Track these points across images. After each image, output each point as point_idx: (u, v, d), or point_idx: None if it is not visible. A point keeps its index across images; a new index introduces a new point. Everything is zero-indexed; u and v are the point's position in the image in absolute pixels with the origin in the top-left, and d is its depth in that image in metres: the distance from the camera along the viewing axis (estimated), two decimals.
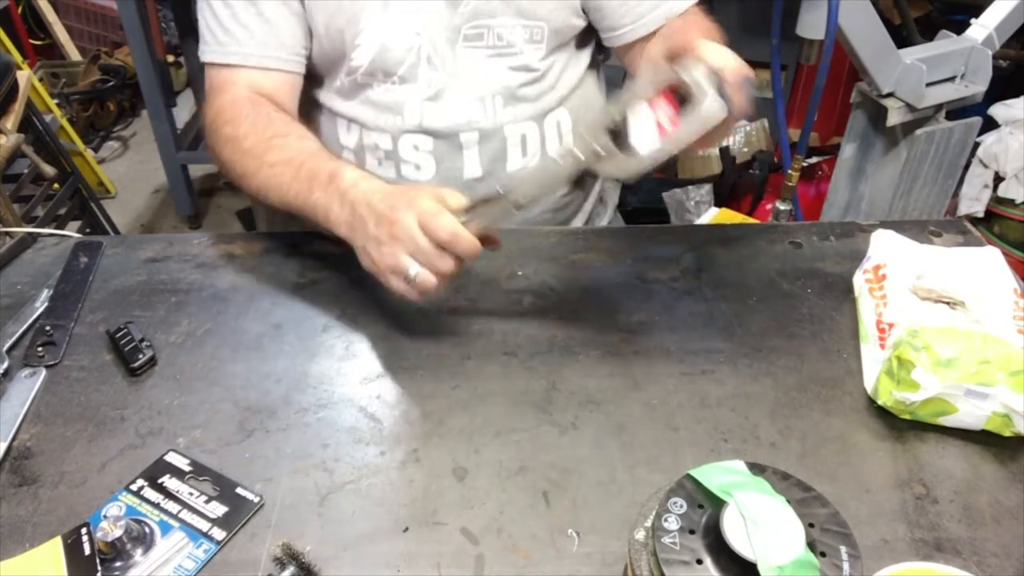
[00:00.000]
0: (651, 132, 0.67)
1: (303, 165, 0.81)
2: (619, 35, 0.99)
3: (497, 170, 1.01)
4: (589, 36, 1.05)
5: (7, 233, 0.93)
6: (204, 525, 0.60)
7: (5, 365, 0.74)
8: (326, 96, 1.02)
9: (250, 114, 0.89)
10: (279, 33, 0.93)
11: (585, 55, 1.05)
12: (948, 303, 0.72)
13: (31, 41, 3.33)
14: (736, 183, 2.32)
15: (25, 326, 0.79)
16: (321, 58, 0.98)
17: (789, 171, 1.72)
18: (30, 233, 0.93)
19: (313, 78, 1.02)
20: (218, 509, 0.61)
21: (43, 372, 0.74)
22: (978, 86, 1.54)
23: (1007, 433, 0.66)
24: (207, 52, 0.94)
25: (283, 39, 0.94)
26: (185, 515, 0.60)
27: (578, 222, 1.14)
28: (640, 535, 0.48)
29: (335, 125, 1.02)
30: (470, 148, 0.99)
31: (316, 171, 0.79)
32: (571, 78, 1.03)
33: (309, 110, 1.05)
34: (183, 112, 3.13)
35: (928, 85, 1.49)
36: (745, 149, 2.54)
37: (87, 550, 0.57)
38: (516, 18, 0.94)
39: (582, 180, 0.72)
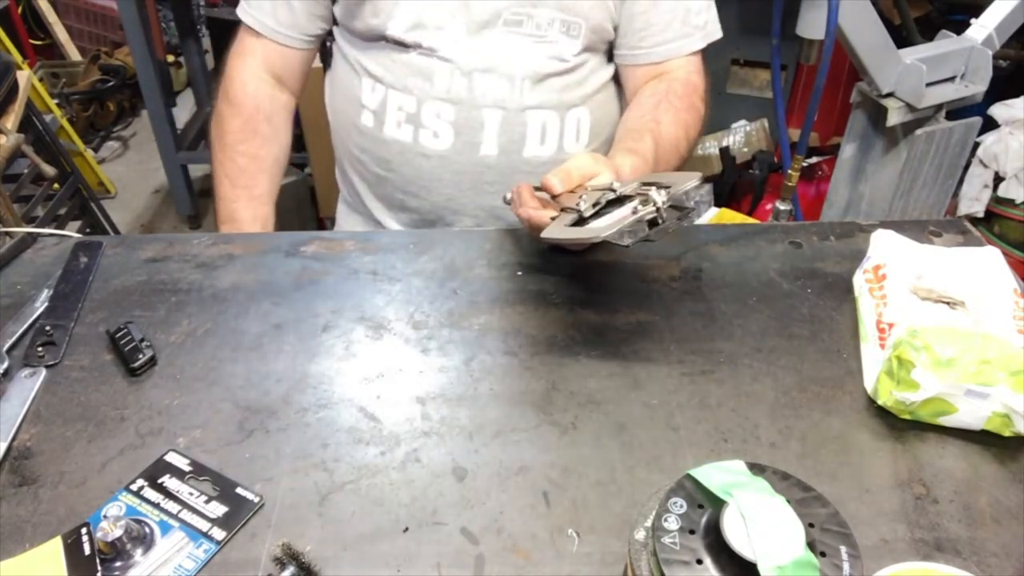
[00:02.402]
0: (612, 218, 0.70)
1: (226, 197, 1.08)
2: (633, 55, 1.03)
3: (513, 153, 1.02)
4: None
5: (7, 233, 0.93)
6: (204, 525, 0.60)
7: (5, 365, 0.74)
8: (356, 53, 1.04)
9: (243, 112, 1.07)
10: (297, 15, 1.05)
11: (612, 67, 1.08)
12: (948, 303, 0.72)
13: (31, 41, 3.33)
14: (736, 183, 2.32)
15: (25, 326, 0.79)
16: (357, 23, 1.01)
17: (789, 171, 1.72)
18: (30, 233, 0.93)
19: (344, 34, 1.06)
20: (218, 509, 0.61)
21: (43, 372, 0.74)
22: (978, 86, 1.54)
23: (1007, 433, 0.66)
24: (240, 8, 1.07)
25: (299, 21, 1.05)
26: (185, 515, 0.60)
27: None
28: (640, 535, 0.48)
29: (360, 83, 1.04)
30: (491, 126, 1.00)
31: (224, 214, 1.08)
32: (597, 80, 1.05)
33: (336, 64, 1.10)
34: (183, 112, 3.13)
35: (928, 85, 1.49)
36: (745, 149, 2.54)
37: (87, 550, 0.57)
38: (557, 11, 0.97)
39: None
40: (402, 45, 0.99)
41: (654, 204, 0.66)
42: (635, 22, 1.00)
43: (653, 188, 0.68)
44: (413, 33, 0.97)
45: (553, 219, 0.74)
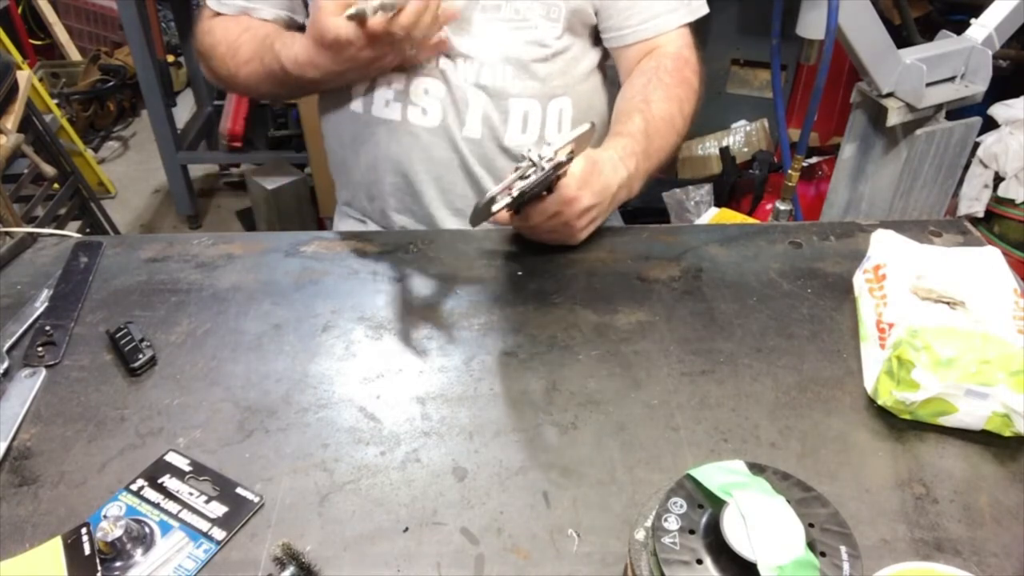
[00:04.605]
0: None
1: (263, 60, 0.96)
2: (621, 35, 1.03)
3: (495, 138, 1.03)
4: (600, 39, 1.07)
5: (7, 233, 0.93)
6: (204, 525, 0.60)
7: (5, 365, 0.74)
8: None
9: (220, 23, 1.02)
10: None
11: (597, 53, 1.08)
12: (948, 303, 0.72)
13: (31, 41, 3.33)
14: (736, 183, 2.32)
15: (25, 326, 0.79)
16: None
17: (789, 171, 1.71)
18: (30, 233, 0.93)
19: None
20: (218, 509, 0.61)
21: (43, 372, 0.74)
22: (978, 86, 1.54)
23: (1007, 433, 0.66)
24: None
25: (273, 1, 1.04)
26: (185, 515, 0.60)
27: None
28: (640, 535, 0.48)
29: None
30: (475, 108, 1.01)
31: (271, 67, 0.95)
32: (582, 69, 1.05)
33: None
34: (183, 112, 3.13)
35: (928, 85, 1.49)
36: (745, 149, 2.54)
37: (87, 550, 0.57)
38: None
39: None
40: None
41: (530, 163, 0.73)
42: (619, 2, 1.01)
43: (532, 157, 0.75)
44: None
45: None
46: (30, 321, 0.80)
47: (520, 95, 1.01)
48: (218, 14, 1.05)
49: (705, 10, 1.05)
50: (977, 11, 1.57)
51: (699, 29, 1.06)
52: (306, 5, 1.07)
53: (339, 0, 0.83)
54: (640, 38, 1.02)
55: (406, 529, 0.60)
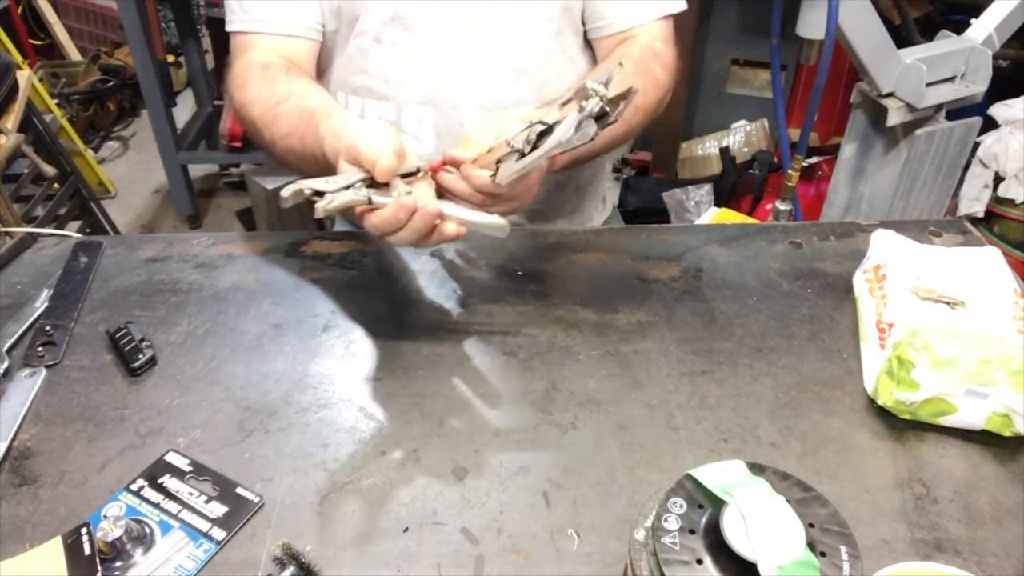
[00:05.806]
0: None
1: (303, 140, 0.84)
2: (598, 28, 1.02)
3: None
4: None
5: (7, 233, 0.93)
6: (204, 525, 0.60)
7: (5, 365, 0.74)
8: (334, 69, 1.02)
9: (257, 77, 0.92)
10: (298, 5, 0.97)
11: (588, 55, 1.07)
12: (948, 303, 0.72)
13: (31, 41, 3.33)
14: (736, 183, 2.32)
15: (25, 326, 0.79)
16: (333, 23, 0.99)
17: (789, 171, 1.71)
18: (30, 233, 0.93)
19: (321, 56, 1.03)
20: (218, 509, 0.61)
21: (43, 372, 0.74)
22: (978, 86, 1.54)
23: (1007, 433, 0.66)
24: (234, 21, 0.98)
25: (302, 9, 0.98)
26: (185, 515, 0.60)
27: (579, 221, 1.15)
28: (640, 535, 0.48)
29: (336, 100, 1.00)
30: (471, 127, 0.99)
31: (313, 151, 0.82)
32: (577, 71, 1.04)
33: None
34: (183, 112, 3.13)
35: (928, 85, 1.49)
36: (745, 149, 2.55)
37: (87, 550, 0.57)
38: None
39: None
40: (376, 41, 0.97)
41: (599, 96, 0.64)
42: None
43: (590, 86, 0.66)
44: (390, 28, 0.96)
45: (496, 170, 0.71)
46: (30, 321, 0.80)
47: (518, 104, 0.99)
48: (244, 40, 0.97)
49: (683, 6, 1.04)
50: (977, 11, 1.57)
51: (697, 28, 1.05)
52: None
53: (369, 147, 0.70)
54: (616, 30, 1.01)
55: (406, 529, 0.60)
